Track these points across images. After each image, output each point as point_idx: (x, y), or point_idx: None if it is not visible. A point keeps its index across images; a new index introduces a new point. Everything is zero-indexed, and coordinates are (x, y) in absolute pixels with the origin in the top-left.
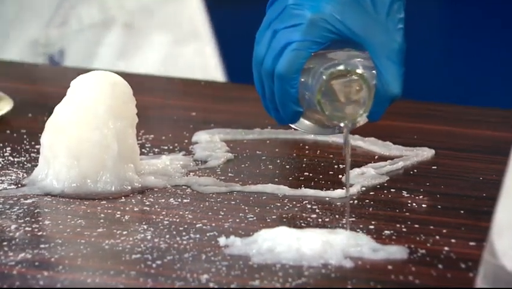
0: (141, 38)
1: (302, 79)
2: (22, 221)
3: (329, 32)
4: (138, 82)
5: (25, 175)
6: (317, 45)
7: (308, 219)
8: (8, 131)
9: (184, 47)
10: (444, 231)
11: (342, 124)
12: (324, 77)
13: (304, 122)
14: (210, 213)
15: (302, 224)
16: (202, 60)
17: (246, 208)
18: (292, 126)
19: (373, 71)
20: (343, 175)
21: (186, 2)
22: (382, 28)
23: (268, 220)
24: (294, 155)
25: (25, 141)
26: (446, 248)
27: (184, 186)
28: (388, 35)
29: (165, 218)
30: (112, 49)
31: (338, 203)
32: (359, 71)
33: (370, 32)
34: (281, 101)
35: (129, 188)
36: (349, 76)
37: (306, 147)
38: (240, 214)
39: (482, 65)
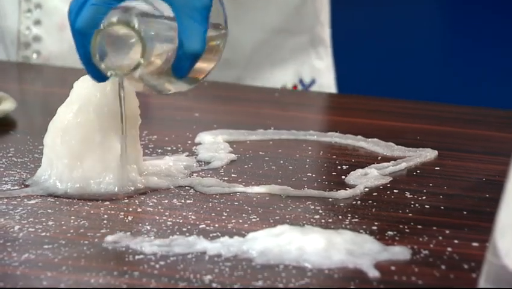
0: None
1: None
2: (26, 221)
3: None
4: None
5: (28, 176)
6: (116, 1)
7: (311, 220)
8: (11, 132)
9: None
10: (447, 232)
11: (113, 75)
12: (101, 27)
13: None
14: (213, 214)
15: (305, 225)
16: None
17: (249, 208)
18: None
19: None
20: (346, 176)
21: None
22: None
23: (272, 221)
24: (297, 155)
25: (28, 142)
26: (449, 248)
27: (187, 187)
28: None
29: (169, 219)
30: None
31: (341, 204)
32: (134, 25)
33: None
34: (84, 57)
35: (133, 188)
36: (127, 30)
37: (309, 148)
38: (243, 215)
39: (485, 66)
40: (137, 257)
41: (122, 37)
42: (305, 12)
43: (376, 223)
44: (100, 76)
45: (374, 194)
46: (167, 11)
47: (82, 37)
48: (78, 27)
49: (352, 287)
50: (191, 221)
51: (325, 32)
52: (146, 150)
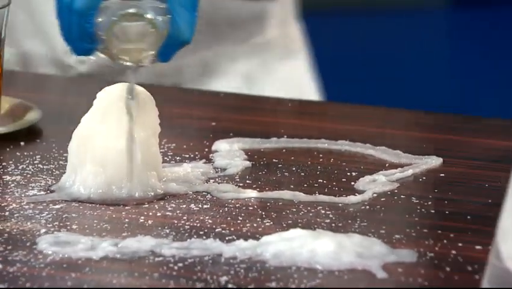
0: None
1: (99, 18)
2: (51, 225)
3: None
4: (160, 94)
5: (54, 182)
6: None
7: (322, 224)
8: (37, 140)
9: None
10: (452, 235)
11: (127, 64)
12: (115, 17)
13: (99, 57)
14: (229, 218)
15: (317, 229)
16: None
17: (263, 213)
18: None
19: (166, 17)
20: (355, 182)
21: None
22: None
23: (284, 225)
24: (309, 162)
25: (54, 150)
26: (454, 251)
27: (204, 193)
28: None
29: (187, 223)
30: None
31: (350, 209)
32: (149, 15)
33: None
34: (77, 35)
35: (152, 194)
36: (139, 19)
37: (320, 155)
38: (258, 219)
39: (488, 77)
40: (156, 259)
41: (134, 27)
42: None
43: (383, 227)
44: (83, 53)
45: (382, 199)
46: None
47: (80, 17)
48: (77, 7)
49: (360, 288)
50: (208, 225)
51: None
52: (165, 158)
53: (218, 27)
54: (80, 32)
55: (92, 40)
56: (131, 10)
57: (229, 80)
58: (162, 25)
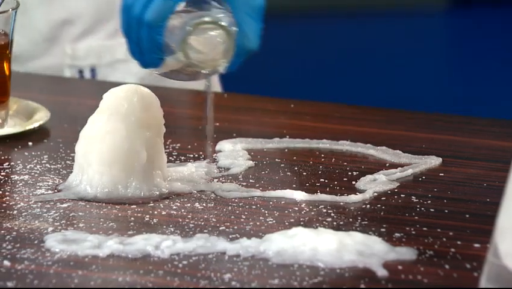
0: None
1: (168, 28)
2: (58, 224)
3: None
4: (165, 95)
5: (61, 181)
6: None
7: (324, 222)
8: (45, 140)
9: None
10: (451, 234)
11: (204, 72)
12: (189, 27)
13: (165, 68)
14: (233, 216)
15: (318, 227)
16: None
17: (266, 211)
18: (154, 71)
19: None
20: (356, 181)
21: None
22: None
23: (287, 223)
24: (311, 162)
25: (61, 150)
26: (453, 249)
27: (208, 192)
28: None
29: (191, 221)
30: None
31: (351, 208)
32: (223, 23)
33: None
34: (147, 47)
35: (157, 193)
36: (213, 28)
37: (322, 155)
38: (260, 218)
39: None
40: (161, 257)
41: (210, 35)
42: None
43: (384, 226)
44: (152, 64)
45: (383, 198)
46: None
47: (150, 29)
48: (147, 19)
49: (361, 285)
50: (212, 224)
51: None
52: (170, 158)
53: None
54: (150, 45)
55: (161, 51)
56: (206, 19)
57: None
58: (234, 33)
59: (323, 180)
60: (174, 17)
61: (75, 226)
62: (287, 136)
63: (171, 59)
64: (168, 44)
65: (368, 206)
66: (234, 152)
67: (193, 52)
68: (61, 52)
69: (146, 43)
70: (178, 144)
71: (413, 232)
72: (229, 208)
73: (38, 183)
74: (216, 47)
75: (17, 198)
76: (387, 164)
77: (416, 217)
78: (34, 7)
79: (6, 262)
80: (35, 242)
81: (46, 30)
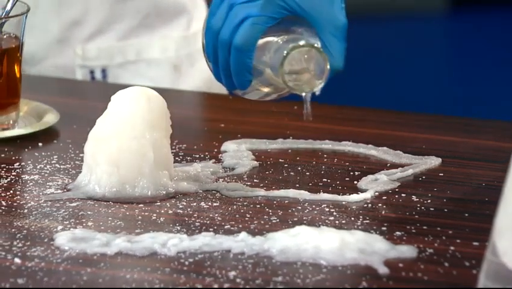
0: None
1: (257, 51)
2: (67, 222)
3: (282, 9)
4: (172, 97)
5: (70, 181)
6: (272, 20)
7: (326, 221)
8: (55, 141)
9: None
10: (450, 232)
11: (303, 94)
12: (286, 51)
13: (251, 89)
14: (237, 215)
15: (321, 226)
16: None
17: (270, 210)
18: (239, 93)
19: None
20: (358, 181)
21: None
22: (328, 7)
23: (290, 222)
24: (314, 162)
25: (70, 150)
26: (452, 248)
27: (213, 191)
28: (333, 14)
29: (197, 220)
30: None
31: (353, 207)
32: (317, 45)
33: (318, 10)
34: (236, 70)
35: (164, 192)
36: (307, 51)
37: (325, 155)
38: (265, 217)
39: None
40: (168, 254)
41: (309, 58)
42: None
43: (385, 224)
44: (241, 86)
45: (384, 197)
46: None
47: (240, 52)
48: (237, 43)
49: (363, 282)
50: (217, 222)
51: None
52: (177, 158)
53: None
54: (239, 68)
55: (250, 74)
56: (301, 42)
57: (160, 70)
58: (327, 55)
59: (325, 180)
60: (265, 39)
61: (84, 224)
62: (291, 137)
63: (259, 81)
64: (256, 67)
65: (369, 205)
66: (238, 152)
67: (288, 76)
68: (72, 52)
69: (235, 66)
70: (184, 145)
71: (413, 231)
72: (234, 207)
73: (48, 183)
74: (312, 69)
75: (28, 197)
76: (388, 164)
77: (416, 216)
78: (45, 8)
79: (17, 260)
80: (45, 240)
81: (57, 31)
